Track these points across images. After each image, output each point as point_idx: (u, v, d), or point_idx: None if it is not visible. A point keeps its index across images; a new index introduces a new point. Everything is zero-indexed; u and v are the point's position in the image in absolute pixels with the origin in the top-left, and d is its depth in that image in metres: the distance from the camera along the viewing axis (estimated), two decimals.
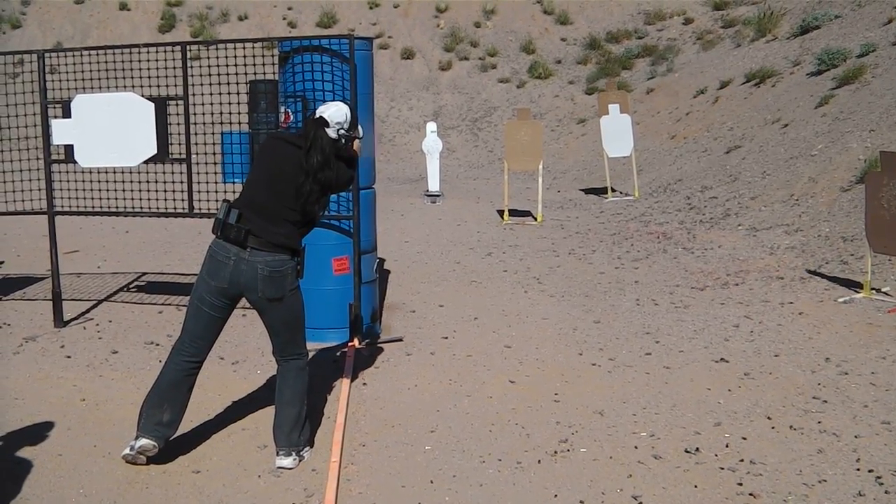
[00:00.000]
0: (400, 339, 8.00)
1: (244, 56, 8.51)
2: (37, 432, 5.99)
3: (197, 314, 5.43)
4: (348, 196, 7.57)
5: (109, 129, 8.20)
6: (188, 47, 8.31)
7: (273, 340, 5.56)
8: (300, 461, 5.53)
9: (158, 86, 8.58)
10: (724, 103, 20.18)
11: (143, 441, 5.40)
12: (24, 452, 5.67)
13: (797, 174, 13.34)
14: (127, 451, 5.48)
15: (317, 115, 5.53)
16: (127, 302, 9.38)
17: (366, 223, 7.81)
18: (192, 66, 8.27)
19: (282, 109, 7.86)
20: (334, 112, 5.51)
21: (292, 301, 5.43)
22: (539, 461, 5.53)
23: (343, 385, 6.65)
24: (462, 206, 16.46)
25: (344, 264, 7.68)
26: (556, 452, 5.65)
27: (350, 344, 7.58)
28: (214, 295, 5.35)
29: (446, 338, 8.13)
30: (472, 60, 29.82)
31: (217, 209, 5.49)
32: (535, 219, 14.75)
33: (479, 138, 26.14)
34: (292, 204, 5.34)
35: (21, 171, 9.28)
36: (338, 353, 7.55)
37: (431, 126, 17.65)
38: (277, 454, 5.49)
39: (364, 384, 6.87)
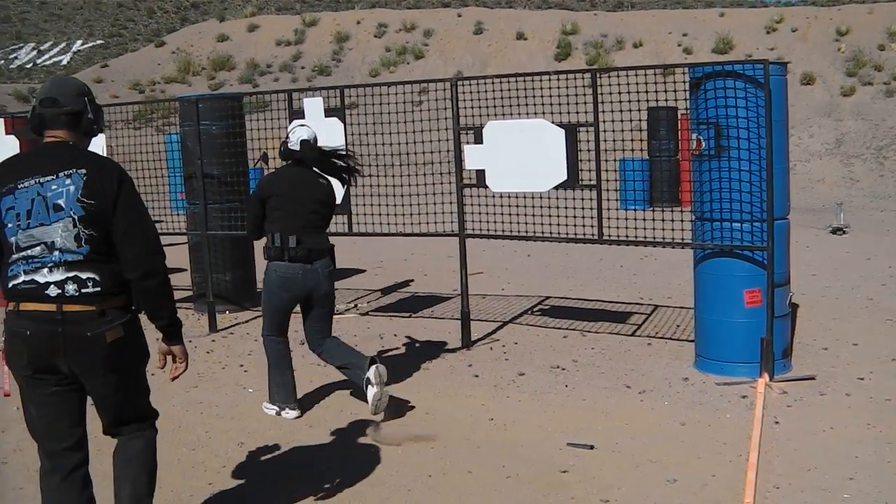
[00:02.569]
0: (812, 378, 7.64)
1: (646, 83, 8.48)
2: (446, 448, 6.24)
3: (280, 319, 6.98)
4: (763, 227, 7.36)
5: (520, 155, 8.44)
6: (598, 74, 8.39)
7: (318, 328, 7.01)
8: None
9: (559, 112, 8.71)
10: None
11: (295, 412, 7.04)
12: (433, 467, 5.92)
13: None
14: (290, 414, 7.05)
15: (301, 140, 7.00)
16: (531, 325, 9.62)
17: (780, 255, 7.55)
18: (586, 94, 8.35)
19: (693, 136, 7.75)
20: (309, 131, 7.09)
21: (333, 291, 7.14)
22: None
23: (754, 423, 6.44)
24: (869, 239, 15.59)
25: (756, 297, 7.46)
26: None
27: (760, 380, 7.34)
28: (289, 302, 6.93)
29: (862, 378, 7.67)
30: (876, 85, 28.30)
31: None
32: None
33: (884, 167, 24.75)
34: (323, 219, 6.98)
35: (434, 194, 9.75)
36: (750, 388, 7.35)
37: None
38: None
39: (776, 423, 6.60)
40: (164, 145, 13.25)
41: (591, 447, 6.12)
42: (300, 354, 8.48)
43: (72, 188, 4.00)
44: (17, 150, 10.58)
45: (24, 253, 3.98)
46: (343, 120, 9.22)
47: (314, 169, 7.05)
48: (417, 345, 9.04)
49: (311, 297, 6.87)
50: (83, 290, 3.97)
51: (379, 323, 10.05)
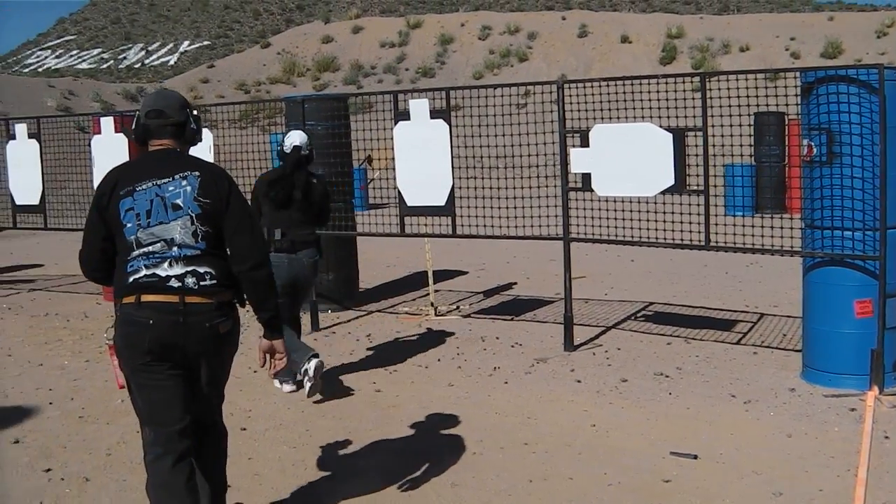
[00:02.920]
0: None
1: (756, 87, 8.35)
2: (548, 453, 6.23)
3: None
4: (875, 235, 7.20)
5: (627, 159, 8.39)
6: (707, 78, 8.29)
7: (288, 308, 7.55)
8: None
9: (667, 116, 8.63)
10: None
11: (315, 361, 7.31)
12: (534, 472, 5.91)
13: None
14: (309, 383, 7.32)
15: (294, 146, 7.87)
16: (635, 331, 9.56)
17: (892, 264, 7.35)
18: (694, 98, 8.27)
19: (804, 142, 7.61)
20: (301, 137, 7.97)
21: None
22: None
23: (863, 437, 6.29)
24: None
25: (867, 307, 7.29)
26: None
27: (869, 392, 7.18)
28: (279, 289, 6.96)
29: None
30: None
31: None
32: None
33: None
34: (306, 214, 7.81)
35: (538, 197, 9.73)
36: (858, 401, 7.19)
37: None
38: None
39: (886, 437, 6.43)
40: (269, 145, 13.44)
41: (695, 457, 6.05)
42: (402, 355, 8.56)
43: (188, 189, 4.33)
44: (125, 148, 10.88)
45: (144, 249, 4.27)
46: (448, 122, 9.28)
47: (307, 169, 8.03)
48: (519, 348, 9.04)
49: (297, 284, 7.73)
50: (201, 283, 4.27)
51: (481, 325, 10.09)
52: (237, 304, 4.53)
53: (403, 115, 9.57)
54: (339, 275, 11.23)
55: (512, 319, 10.31)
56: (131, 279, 4.26)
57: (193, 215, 4.31)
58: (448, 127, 9.29)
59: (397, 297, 11.86)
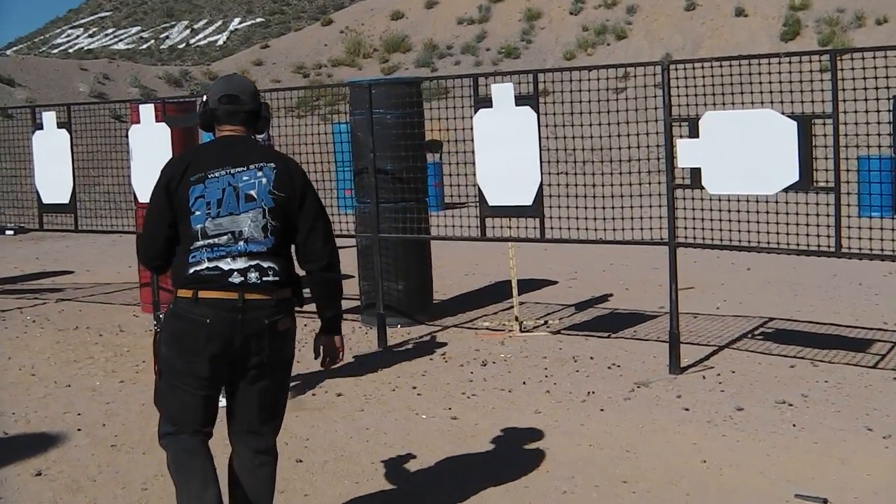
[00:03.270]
0: None
1: None
2: (650, 492, 6.16)
3: None
4: None
5: (743, 152, 8.26)
6: (838, 57, 8.15)
7: None
8: None
9: (790, 101, 8.51)
10: None
11: None
12: None
13: None
14: None
15: None
16: (752, 351, 9.43)
17: None
18: (823, 80, 8.12)
19: None
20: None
21: None
22: None
23: None
24: None
25: None
26: None
27: None
28: None
29: None
30: None
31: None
32: None
33: None
34: None
35: (640, 196, 9.64)
36: None
37: None
38: None
39: None
40: (331, 136, 13.50)
41: (825, 501, 5.94)
42: (482, 377, 8.55)
43: (264, 180, 4.64)
44: (167, 139, 10.98)
45: (210, 241, 4.56)
46: (536, 109, 9.23)
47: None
48: (617, 370, 8.97)
49: None
50: (264, 279, 4.55)
51: (573, 343, 10.05)
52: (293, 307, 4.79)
53: (484, 102, 9.55)
54: (409, 284, 11.24)
55: (608, 337, 10.26)
56: (192, 270, 4.54)
57: (266, 208, 4.62)
58: (536, 115, 9.24)
59: (477, 310, 11.86)
